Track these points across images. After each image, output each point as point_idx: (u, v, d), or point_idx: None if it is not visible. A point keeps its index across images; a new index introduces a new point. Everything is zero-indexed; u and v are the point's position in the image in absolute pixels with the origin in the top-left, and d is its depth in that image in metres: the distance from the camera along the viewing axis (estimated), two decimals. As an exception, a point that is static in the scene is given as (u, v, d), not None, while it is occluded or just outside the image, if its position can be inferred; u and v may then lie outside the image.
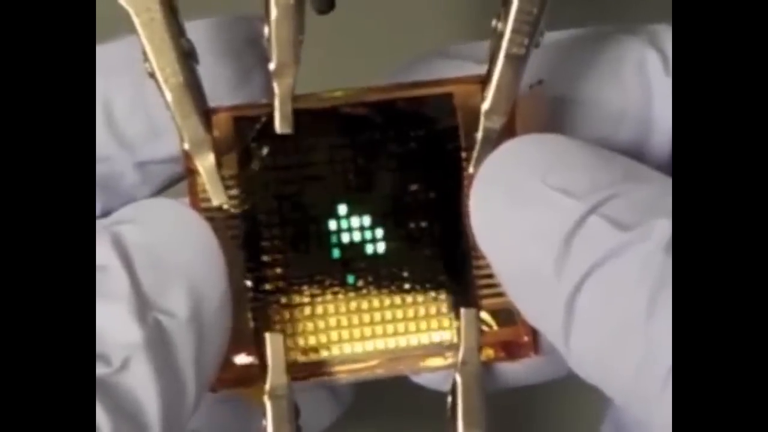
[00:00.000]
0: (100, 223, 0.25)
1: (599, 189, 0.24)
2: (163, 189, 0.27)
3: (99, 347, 0.23)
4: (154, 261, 0.24)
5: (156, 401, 0.23)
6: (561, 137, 0.25)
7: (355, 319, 0.26)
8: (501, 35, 0.25)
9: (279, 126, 0.25)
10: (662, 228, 0.22)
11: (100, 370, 0.23)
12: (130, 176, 0.26)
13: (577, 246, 0.23)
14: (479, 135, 0.26)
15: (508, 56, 0.25)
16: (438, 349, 0.27)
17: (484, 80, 0.26)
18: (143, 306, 0.24)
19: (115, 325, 0.24)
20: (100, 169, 0.26)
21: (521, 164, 0.25)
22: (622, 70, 0.26)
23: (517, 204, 0.24)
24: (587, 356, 0.23)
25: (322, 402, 0.29)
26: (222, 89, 0.26)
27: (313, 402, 0.28)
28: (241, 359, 0.26)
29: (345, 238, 0.26)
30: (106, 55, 0.26)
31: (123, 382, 0.23)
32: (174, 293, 0.24)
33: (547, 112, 0.26)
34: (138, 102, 0.26)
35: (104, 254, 0.24)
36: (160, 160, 0.26)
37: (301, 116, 0.26)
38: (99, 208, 0.27)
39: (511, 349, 0.27)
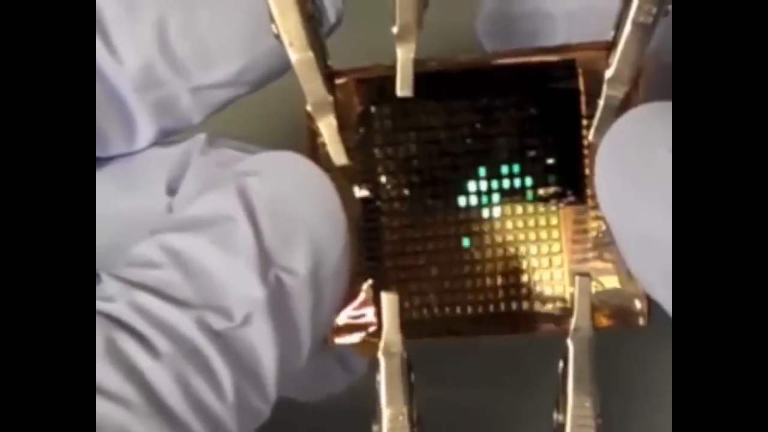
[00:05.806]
0: (226, 173, 0.26)
1: None
2: (218, 111, 0.28)
3: (221, 300, 0.24)
4: (278, 216, 0.24)
5: (273, 356, 0.24)
6: None
7: (469, 283, 0.27)
8: (629, 1, 0.25)
9: (400, 89, 0.25)
10: None
11: (223, 323, 0.24)
12: (185, 100, 0.27)
13: None
14: (601, 102, 0.25)
15: (635, 24, 0.25)
16: (550, 315, 0.27)
17: (609, 47, 0.25)
18: (266, 262, 0.24)
19: (238, 280, 0.24)
20: (156, 93, 0.27)
21: (648, 133, 0.24)
22: None
23: (645, 174, 0.24)
24: None
25: (332, 369, 0.29)
26: None
27: (324, 369, 0.29)
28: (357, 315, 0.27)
29: (462, 201, 0.26)
30: None
31: (244, 337, 0.24)
32: (296, 250, 0.24)
33: (671, 78, 0.26)
34: (190, 26, 0.26)
35: (231, 205, 0.24)
36: (214, 84, 0.27)
37: (422, 80, 0.26)
38: (155, 130, 0.27)
39: (624, 316, 0.27)
